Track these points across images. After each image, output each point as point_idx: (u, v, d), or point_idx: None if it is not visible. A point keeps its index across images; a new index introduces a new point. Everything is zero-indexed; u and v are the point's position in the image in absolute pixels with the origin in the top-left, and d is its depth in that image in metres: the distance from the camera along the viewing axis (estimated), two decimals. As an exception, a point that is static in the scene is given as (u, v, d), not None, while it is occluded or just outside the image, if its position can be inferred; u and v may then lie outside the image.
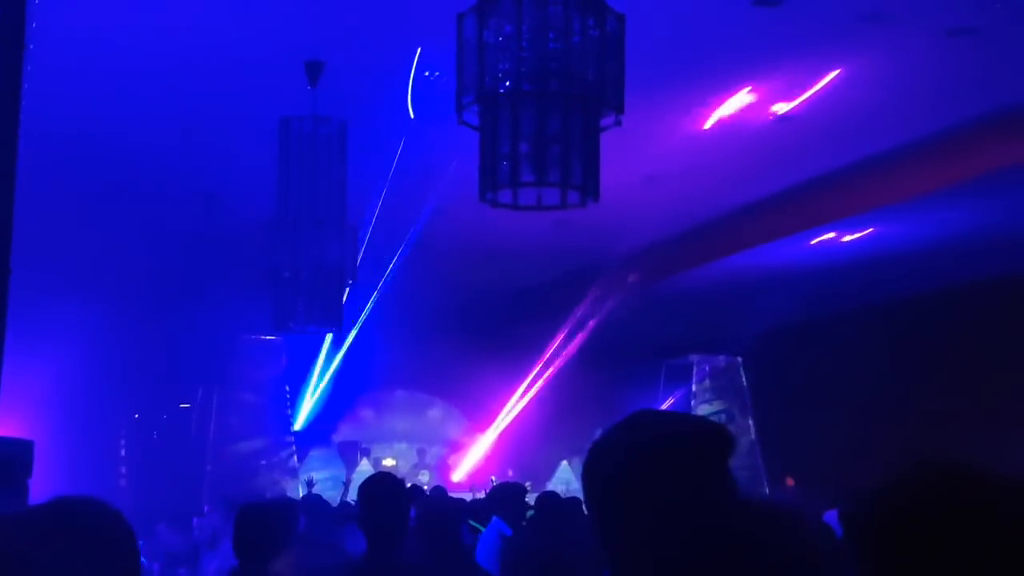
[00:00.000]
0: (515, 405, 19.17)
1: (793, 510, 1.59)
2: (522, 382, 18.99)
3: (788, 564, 1.49)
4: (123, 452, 16.87)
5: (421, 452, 19.83)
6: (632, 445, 1.73)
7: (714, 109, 10.15)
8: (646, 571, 1.63)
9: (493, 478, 14.28)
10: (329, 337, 16.39)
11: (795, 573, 1.49)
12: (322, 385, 18.22)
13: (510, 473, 18.29)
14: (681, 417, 1.78)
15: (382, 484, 4.33)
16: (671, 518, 1.60)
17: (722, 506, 1.61)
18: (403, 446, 20.07)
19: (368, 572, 4.19)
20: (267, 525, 4.63)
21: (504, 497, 7.30)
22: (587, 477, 1.78)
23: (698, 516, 1.57)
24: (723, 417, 18.81)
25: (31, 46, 3.77)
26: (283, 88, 8.94)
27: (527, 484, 9.45)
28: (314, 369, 18.00)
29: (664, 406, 19.15)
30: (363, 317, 15.81)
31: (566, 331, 17.64)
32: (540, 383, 18.77)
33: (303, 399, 18.15)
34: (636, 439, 1.74)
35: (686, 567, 1.51)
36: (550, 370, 18.45)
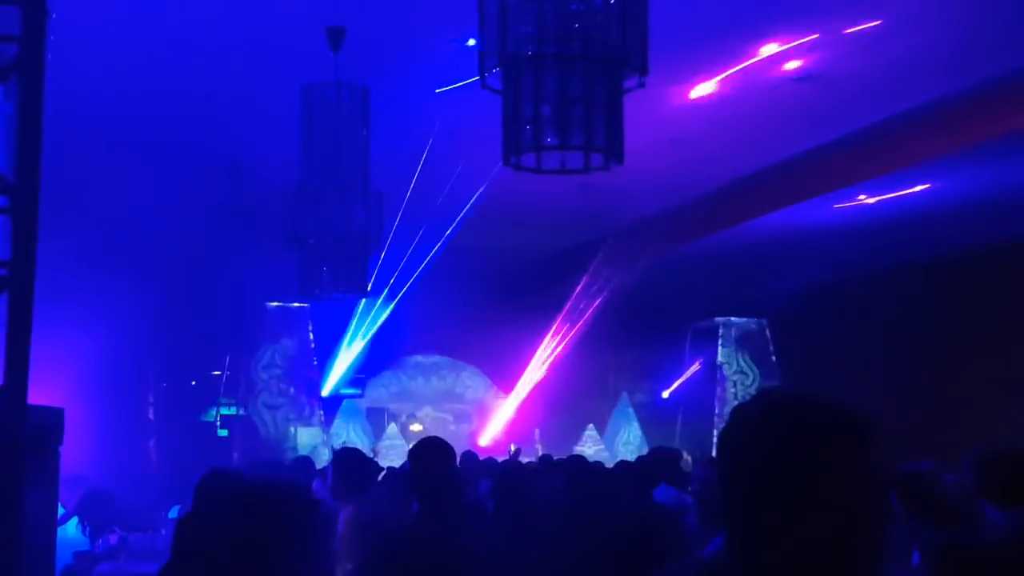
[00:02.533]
0: (540, 368, 19.21)
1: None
2: (548, 346, 19.02)
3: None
4: (152, 420, 16.99)
5: (448, 418, 19.95)
6: (776, 421, 1.74)
7: (738, 70, 10.06)
8: (772, 544, 1.68)
9: (512, 446, 14.31)
10: (361, 304, 16.48)
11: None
12: (350, 351, 18.30)
13: (537, 435, 18.37)
14: (824, 400, 1.79)
15: (432, 446, 4.33)
16: (804, 495, 1.65)
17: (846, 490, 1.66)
18: (430, 411, 20.18)
19: (420, 535, 4.18)
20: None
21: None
22: (725, 448, 1.79)
23: (829, 494, 1.65)
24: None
25: (54, 15, 3.77)
26: (305, 54, 8.92)
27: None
28: (341, 335, 18.07)
29: (691, 369, 19.18)
30: (389, 283, 15.86)
31: (592, 295, 17.64)
32: (562, 347, 18.80)
33: (331, 365, 18.24)
34: (781, 415, 1.75)
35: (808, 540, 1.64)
36: (574, 333, 18.46)
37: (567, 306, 18.19)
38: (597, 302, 17.55)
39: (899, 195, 13.30)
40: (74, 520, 8.37)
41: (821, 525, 1.64)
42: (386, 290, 16.15)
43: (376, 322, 17.67)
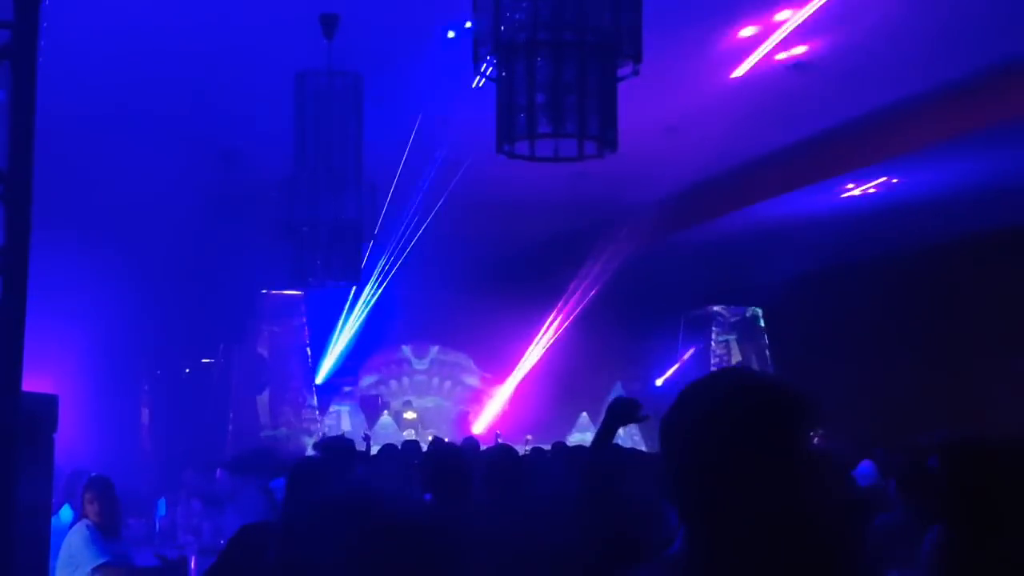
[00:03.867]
0: (533, 356, 19.22)
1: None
2: (541, 333, 19.04)
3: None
4: (146, 407, 17.00)
5: (442, 405, 19.98)
6: (715, 402, 1.75)
7: (733, 56, 10.06)
8: (724, 529, 1.68)
9: (498, 433, 14.33)
10: (353, 291, 16.47)
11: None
12: (343, 339, 18.31)
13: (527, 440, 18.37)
14: (763, 379, 1.80)
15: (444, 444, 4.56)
16: (746, 477, 1.66)
17: (793, 468, 1.67)
18: (424, 399, 20.18)
19: (432, 524, 4.20)
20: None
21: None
22: (666, 431, 1.78)
23: (771, 477, 1.65)
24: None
25: (46, 1, 3.76)
26: (298, 42, 8.90)
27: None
28: (335, 323, 18.08)
29: (685, 356, 19.20)
30: (377, 270, 15.86)
31: (584, 282, 17.64)
32: (554, 335, 18.82)
33: (324, 353, 18.25)
34: (719, 397, 1.76)
35: (761, 528, 1.64)
36: (567, 322, 18.47)
37: (561, 294, 18.20)
38: (592, 290, 17.55)
39: (894, 182, 13.33)
40: (66, 507, 8.35)
41: (775, 511, 1.64)
42: (373, 277, 16.13)
43: (368, 310, 17.67)
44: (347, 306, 17.67)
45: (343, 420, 18.34)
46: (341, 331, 18.17)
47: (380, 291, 17.14)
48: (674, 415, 1.77)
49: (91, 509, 6.86)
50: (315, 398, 17.55)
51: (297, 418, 17.21)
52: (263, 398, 17.13)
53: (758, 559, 1.64)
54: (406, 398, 20.01)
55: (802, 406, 1.73)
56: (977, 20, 9.07)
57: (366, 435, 15.07)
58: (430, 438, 16.40)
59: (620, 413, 4.34)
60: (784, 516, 1.64)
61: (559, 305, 18.43)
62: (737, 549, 1.65)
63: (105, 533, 6.82)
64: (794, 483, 1.64)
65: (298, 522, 1.91)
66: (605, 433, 4.40)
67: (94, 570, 6.39)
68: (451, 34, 9.06)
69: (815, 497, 1.65)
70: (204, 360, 17.60)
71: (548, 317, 18.74)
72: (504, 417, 19.35)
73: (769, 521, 1.64)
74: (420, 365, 20.47)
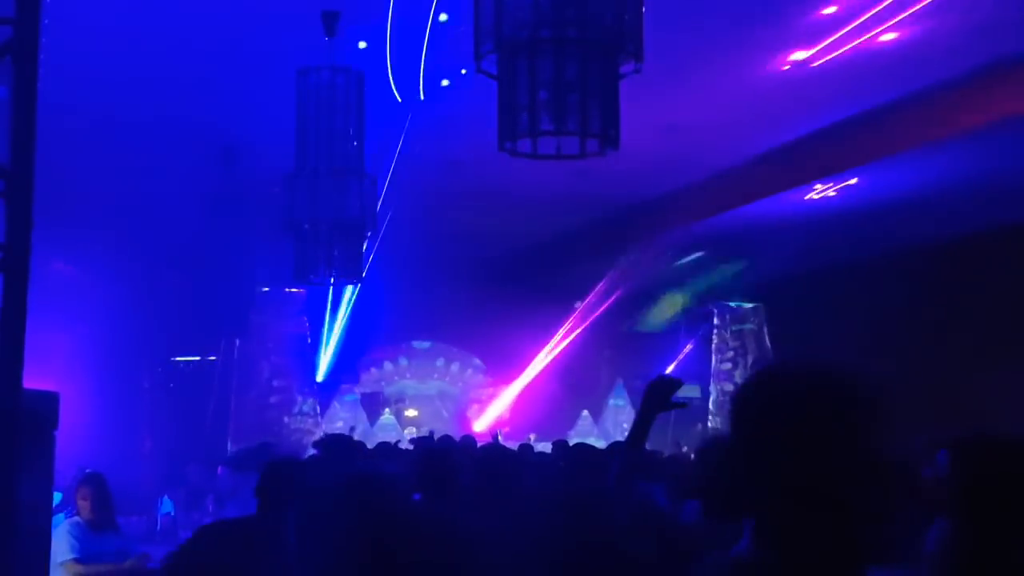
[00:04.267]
0: (544, 357, 19.21)
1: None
2: (545, 333, 19.02)
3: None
4: (147, 404, 17.00)
5: (442, 403, 19.97)
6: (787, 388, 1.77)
7: (735, 58, 10.05)
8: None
9: (499, 432, 14.33)
10: (354, 289, 16.46)
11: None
12: (342, 336, 18.31)
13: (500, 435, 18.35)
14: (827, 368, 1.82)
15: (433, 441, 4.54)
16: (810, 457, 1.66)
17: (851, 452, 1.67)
18: (425, 397, 20.18)
19: (420, 521, 4.24)
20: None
21: None
22: (741, 410, 1.79)
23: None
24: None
25: (48, -1, 3.76)
26: (300, 39, 8.90)
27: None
28: (336, 321, 18.08)
29: (684, 351, 19.22)
30: (366, 266, 15.83)
31: (592, 282, 17.66)
32: (566, 335, 18.82)
33: (326, 351, 18.24)
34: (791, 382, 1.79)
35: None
36: (583, 324, 18.48)
37: (565, 293, 18.21)
38: (600, 290, 17.55)
39: (892, 180, 13.33)
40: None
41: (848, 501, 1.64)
42: (363, 273, 16.13)
43: (371, 308, 17.67)
44: (349, 303, 17.66)
45: (344, 418, 18.36)
46: (344, 329, 18.18)
47: (383, 289, 17.13)
48: (758, 405, 1.77)
49: (83, 506, 6.90)
50: (316, 395, 17.55)
51: (298, 415, 17.22)
52: (264, 395, 17.13)
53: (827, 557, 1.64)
54: (407, 395, 20.00)
55: (874, 396, 1.76)
56: (973, 21, 9.08)
57: (351, 428, 15.05)
58: (411, 433, 16.47)
59: (658, 398, 3.97)
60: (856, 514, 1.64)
61: (564, 304, 18.42)
62: (809, 548, 1.64)
63: (98, 529, 6.86)
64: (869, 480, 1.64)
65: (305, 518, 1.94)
66: (642, 424, 3.93)
67: (59, 565, 6.44)
68: (443, 17, 9.02)
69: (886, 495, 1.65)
70: (206, 357, 17.60)
71: (560, 318, 18.72)
72: (506, 416, 19.36)
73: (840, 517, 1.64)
74: (422, 363, 20.44)
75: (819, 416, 1.69)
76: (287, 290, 17.01)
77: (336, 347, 18.24)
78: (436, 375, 20.32)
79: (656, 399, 3.86)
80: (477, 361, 20.39)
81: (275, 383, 17.21)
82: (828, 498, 1.64)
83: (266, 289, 17.06)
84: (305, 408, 17.31)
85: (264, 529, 4.23)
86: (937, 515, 3.10)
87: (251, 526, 4.48)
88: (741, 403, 1.79)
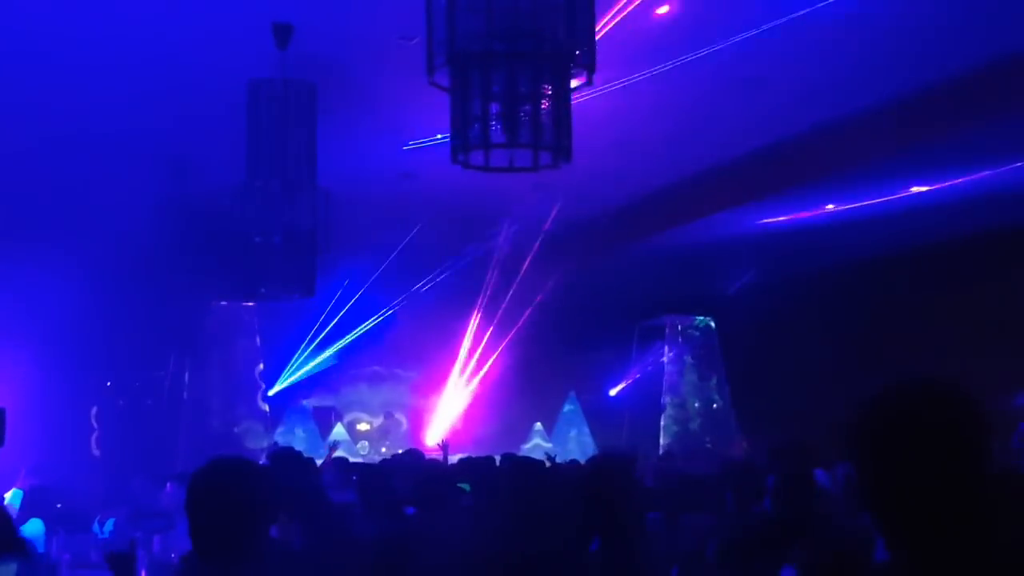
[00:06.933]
0: (481, 369, 19.25)
1: None
2: (490, 345, 19.06)
3: None
4: (95, 419, 16.77)
5: (391, 416, 19.90)
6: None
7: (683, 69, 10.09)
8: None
9: (441, 442, 14.30)
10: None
11: None
12: (301, 353, 18.27)
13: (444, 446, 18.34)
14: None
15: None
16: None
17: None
18: (375, 411, 20.09)
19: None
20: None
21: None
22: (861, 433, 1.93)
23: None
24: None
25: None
26: (251, 51, 8.84)
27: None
28: (291, 336, 18.01)
29: (637, 368, 19.28)
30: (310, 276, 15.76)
31: (534, 293, 17.68)
32: (483, 344, 18.91)
33: (277, 365, 18.13)
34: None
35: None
36: (505, 333, 18.56)
37: (513, 305, 18.21)
38: (536, 301, 17.58)
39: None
40: (37, 520, 8.21)
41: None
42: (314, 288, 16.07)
43: (320, 322, 17.68)
44: (300, 318, 17.61)
45: (295, 431, 18.25)
46: (295, 344, 18.12)
47: (332, 304, 17.12)
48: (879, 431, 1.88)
49: None
50: (267, 410, 17.43)
51: (249, 430, 17.07)
52: (214, 411, 16.97)
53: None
54: (360, 410, 19.91)
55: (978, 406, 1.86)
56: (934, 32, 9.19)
57: (330, 446, 14.94)
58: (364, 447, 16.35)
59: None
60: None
61: (505, 316, 18.44)
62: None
63: None
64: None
65: None
66: None
67: None
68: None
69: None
70: (156, 372, 17.42)
71: (498, 328, 18.75)
72: (458, 429, 19.30)
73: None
74: (370, 377, 20.34)
75: (946, 431, 1.80)
76: (239, 304, 16.86)
77: (295, 362, 18.18)
78: (387, 388, 20.24)
79: None
80: (411, 394, 20.40)
81: (225, 398, 17.06)
82: (960, 509, 1.74)
83: (217, 303, 16.90)
84: (256, 423, 17.17)
85: None
86: None
87: None
88: (868, 428, 1.92)
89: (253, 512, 3.08)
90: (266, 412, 17.41)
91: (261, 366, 17.42)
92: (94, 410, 16.71)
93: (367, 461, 13.35)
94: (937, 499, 1.74)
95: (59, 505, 9.27)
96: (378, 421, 19.88)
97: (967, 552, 1.72)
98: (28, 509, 8.57)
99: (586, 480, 4.46)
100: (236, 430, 16.94)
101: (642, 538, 3.91)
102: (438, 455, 11.06)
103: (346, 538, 4.65)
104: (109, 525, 9.28)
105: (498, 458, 8.52)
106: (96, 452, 16.03)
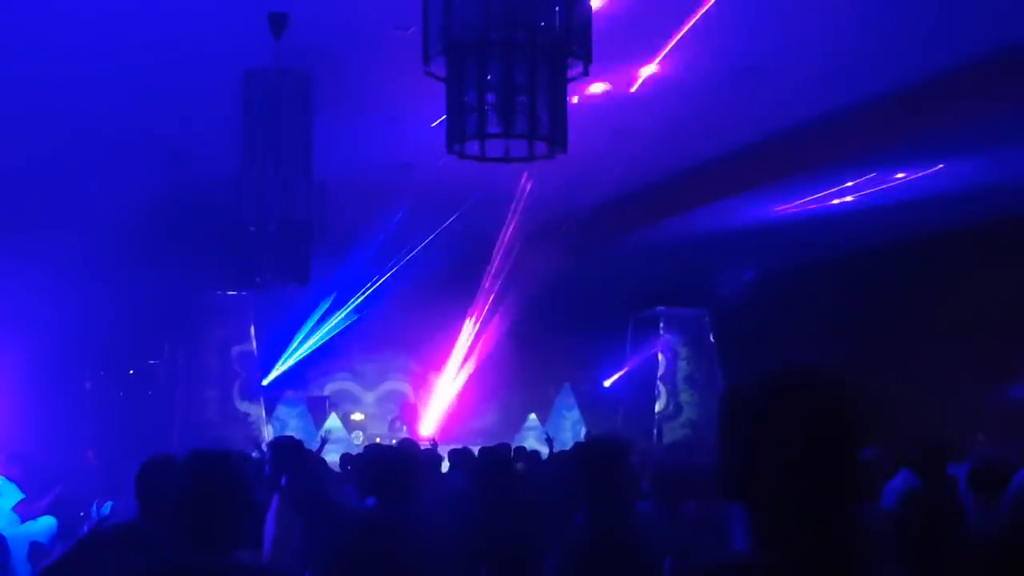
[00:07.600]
0: (470, 357, 19.28)
1: None
2: (485, 336, 19.07)
3: None
4: (89, 410, 16.76)
5: (388, 407, 19.93)
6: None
7: (680, 60, 10.07)
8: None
9: (431, 440, 14.33)
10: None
11: None
12: (296, 343, 18.27)
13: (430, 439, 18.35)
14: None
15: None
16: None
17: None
18: (370, 401, 20.13)
19: (378, 525, 4.30)
20: None
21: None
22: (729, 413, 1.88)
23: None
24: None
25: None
26: (247, 41, 8.81)
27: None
28: (287, 327, 18.03)
29: (632, 360, 19.31)
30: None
31: (526, 284, 17.69)
32: (477, 333, 18.91)
33: (272, 355, 18.14)
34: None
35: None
36: (495, 322, 18.56)
37: (507, 296, 18.22)
38: (532, 292, 17.59)
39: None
40: (50, 518, 8.18)
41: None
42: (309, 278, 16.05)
43: (321, 315, 17.69)
44: (318, 316, 17.69)
45: (290, 421, 18.26)
46: (290, 333, 18.11)
47: (328, 294, 17.11)
48: (743, 413, 1.84)
49: None
50: (261, 399, 17.42)
51: (243, 419, 17.07)
52: (209, 400, 16.97)
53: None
54: (353, 399, 19.95)
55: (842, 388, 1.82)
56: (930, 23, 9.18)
57: (322, 437, 14.97)
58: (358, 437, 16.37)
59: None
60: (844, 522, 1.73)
61: (496, 306, 18.45)
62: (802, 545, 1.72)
63: None
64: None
65: None
66: None
67: None
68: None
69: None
70: (150, 362, 17.41)
71: (484, 318, 18.77)
72: (452, 419, 19.34)
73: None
74: (366, 367, 20.40)
75: (818, 416, 1.76)
76: (233, 294, 16.85)
77: (289, 351, 18.21)
78: (381, 379, 20.29)
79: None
80: (411, 365, 20.44)
81: (220, 387, 17.05)
82: (824, 495, 1.72)
83: (212, 293, 16.89)
84: (251, 412, 17.16)
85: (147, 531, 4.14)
86: None
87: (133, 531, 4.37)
88: (735, 409, 1.87)
89: (236, 504, 3.06)
90: (260, 401, 17.41)
91: (255, 352, 17.40)
92: (88, 401, 16.71)
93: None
94: (789, 491, 1.73)
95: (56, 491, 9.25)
96: (371, 410, 19.93)
97: (819, 548, 1.71)
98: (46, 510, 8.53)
99: (578, 450, 4.49)
100: (231, 418, 16.94)
101: (631, 515, 3.91)
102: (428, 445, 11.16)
103: (346, 525, 4.68)
104: (107, 508, 9.27)
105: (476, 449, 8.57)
106: (89, 443, 16.00)
